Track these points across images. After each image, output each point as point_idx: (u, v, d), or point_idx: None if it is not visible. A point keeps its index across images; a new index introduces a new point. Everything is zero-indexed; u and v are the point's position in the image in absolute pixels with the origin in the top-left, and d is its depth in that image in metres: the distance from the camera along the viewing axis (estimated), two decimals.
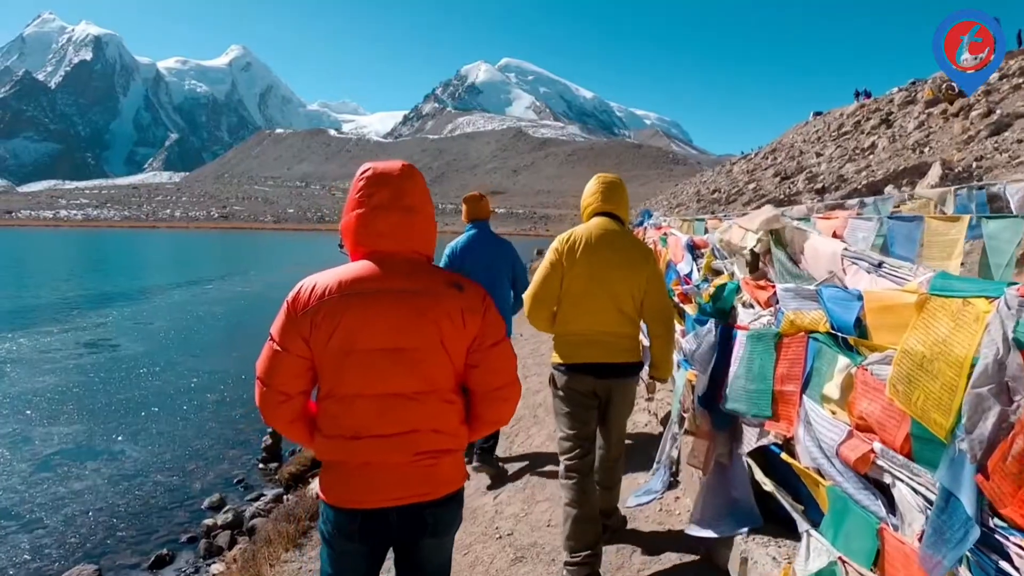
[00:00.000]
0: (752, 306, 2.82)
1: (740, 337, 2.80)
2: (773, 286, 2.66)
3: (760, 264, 2.93)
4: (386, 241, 1.84)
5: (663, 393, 5.41)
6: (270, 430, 8.23)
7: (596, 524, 3.16)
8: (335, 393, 1.79)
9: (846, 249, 2.29)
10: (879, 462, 1.92)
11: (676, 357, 4.22)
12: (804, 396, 2.30)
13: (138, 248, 72.46)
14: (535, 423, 5.91)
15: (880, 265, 2.13)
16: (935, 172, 14.65)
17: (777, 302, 2.59)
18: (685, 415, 3.77)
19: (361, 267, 1.82)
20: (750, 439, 2.75)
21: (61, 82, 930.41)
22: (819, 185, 23.72)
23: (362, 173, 1.87)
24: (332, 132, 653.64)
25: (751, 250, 2.89)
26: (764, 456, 2.75)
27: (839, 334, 2.16)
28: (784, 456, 2.46)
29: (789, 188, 28.07)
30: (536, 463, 4.99)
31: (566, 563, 3.14)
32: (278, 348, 1.79)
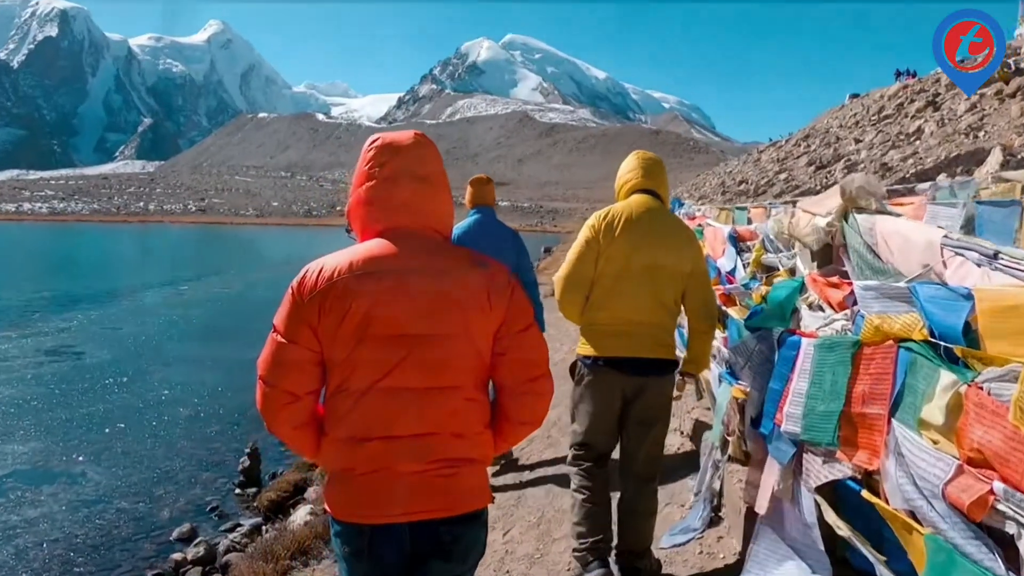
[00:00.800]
0: (821, 308, 2.60)
1: (806, 346, 2.56)
2: (849, 284, 2.44)
3: (831, 257, 2.68)
4: (400, 215, 1.82)
5: (699, 412, 5.18)
6: (247, 450, 8.09)
7: (606, 511, 3.24)
8: (345, 388, 1.75)
9: (947, 236, 2.04)
10: (1000, 506, 1.69)
11: (717, 368, 4.02)
12: (894, 420, 2.07)
13: (108, 244, 72.60)
14: (549, 445, 5.68)
15: (996, 256, 1.88)
16: (995, 158, 14.34)
17: (855, 303, 2.36)
18: (729, 439, 3.60)
19: (374, 246, 1.79)
20: (819, 471, 2.50)
21: (24, 61, 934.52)
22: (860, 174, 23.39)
23: (371, 143, 1.87)
24: (320, 117, 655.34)
25: (823, 240, 2.64)
26: (834, 492, 2.53)
27: (941, 343, 1.92)
28: (865, 494, 2.22)
29: (826, 178, 27.77)
30: (552, 493, 4.78)
31: (574, 550, 3.24)
32: (283, 340, 1.75)
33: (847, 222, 2.56)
